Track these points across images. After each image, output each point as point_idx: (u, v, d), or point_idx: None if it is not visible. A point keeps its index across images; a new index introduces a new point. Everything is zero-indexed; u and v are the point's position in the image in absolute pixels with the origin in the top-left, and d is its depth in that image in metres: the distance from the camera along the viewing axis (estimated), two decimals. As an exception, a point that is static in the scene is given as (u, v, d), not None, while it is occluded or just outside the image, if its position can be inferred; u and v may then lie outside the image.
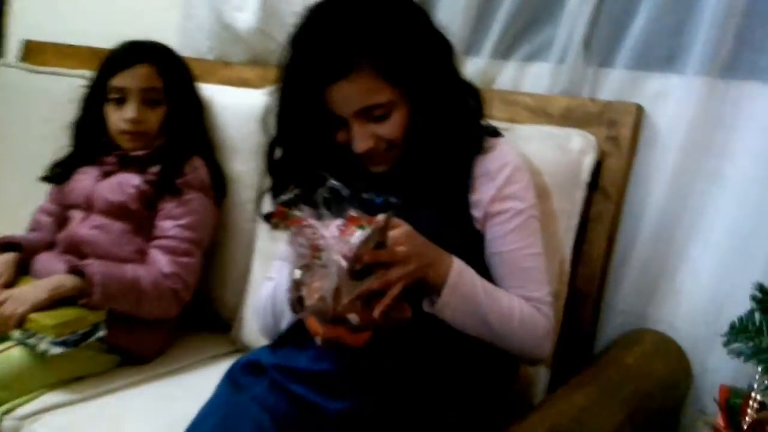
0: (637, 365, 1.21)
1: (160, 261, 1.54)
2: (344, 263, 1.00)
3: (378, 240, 1.02)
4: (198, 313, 1.68)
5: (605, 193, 1.43)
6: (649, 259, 1.44)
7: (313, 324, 1.06)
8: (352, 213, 1.04)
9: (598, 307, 1.46)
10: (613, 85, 1.49)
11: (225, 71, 1.98)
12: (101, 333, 1.42)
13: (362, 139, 1.14)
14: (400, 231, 1.04)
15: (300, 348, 1.13)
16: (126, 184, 1.59)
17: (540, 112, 1.51)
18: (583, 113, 1.47)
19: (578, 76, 1.51)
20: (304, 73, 1.12)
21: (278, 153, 1.27)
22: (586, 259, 1.43)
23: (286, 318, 1.21)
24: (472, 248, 1.19)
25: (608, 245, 1.45)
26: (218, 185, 1.68)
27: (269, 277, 1.32)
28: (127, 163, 1.62)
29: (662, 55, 1.43)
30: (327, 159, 1.19)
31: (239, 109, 1.73)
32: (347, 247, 1.01)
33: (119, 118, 1.61)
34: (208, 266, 1.68)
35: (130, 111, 1.60)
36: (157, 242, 1.57)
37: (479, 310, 1.10)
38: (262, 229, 1.66)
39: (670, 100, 1.43)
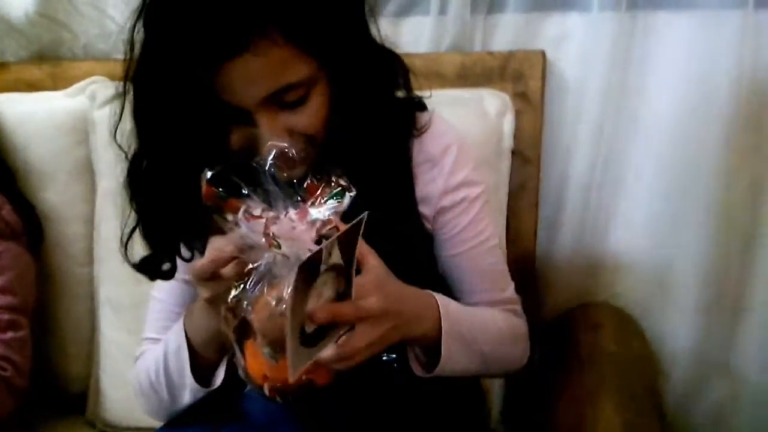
0: (622, 351, 1.05)
1: (-26, 344, 1.11)
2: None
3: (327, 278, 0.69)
4: (40, 396, 1.26)
5: (524, 158, 1.25)
6: (578, 226, 1.29)
7: (257, 364, 0.73)
8: (310, 180, 0.73)
9: (536, 287, 1.29)
10: (507, 32, 1.29)
11: (0, 74, 1.52)
12: None
13: (273, 136, 0.79)
14: (367, 276, 0.74)
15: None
16: None
17: (431, 74, 1.27)
18: (483, 69, 1.27)
19: (466, 27, 1.29)
20: (179, 53, 0.75)
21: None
22: (516, 236, 1.24)
23: (188, 387, 0.88)
24: (427, 256, 0.94)
25: (535, 216, 1.26)
26: (30, 226, 1.26)
27: (151, 338, 0.98)
28: None
29: (558, -8, 1.26)
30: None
31: (38, 120, 1.32)
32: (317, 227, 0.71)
33: None
34: (38, 334, 1.26)
35: None
36: (-37, 320, 1.14)
37: (476, 349, 0.87)
38: (105, 271, 1.28)
39: (574, 42, 1.27)
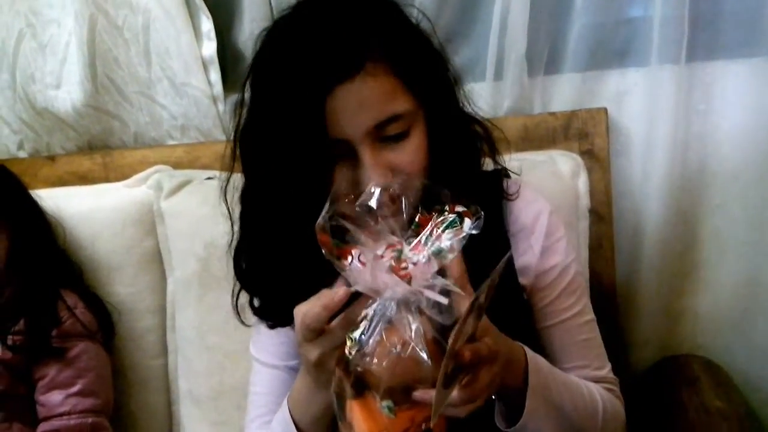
0: (729, 408, 1.03)
1: (62, 451, 1.08)
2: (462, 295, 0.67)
3: (470, 318, 0.66)
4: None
5: (597, 215, 1.24)
6: (656, 280, 1.28)
7: (373, 423, 0.68)
8: (420, 214, 0.70)
9: (621, 343, 1.27)
10: (566, 92, 1.30)
11: (49, 168, 1.50)
12: None
13: (377, 170, 0.77)
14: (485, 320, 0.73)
15: None
16: (-23, 359, 1.11)
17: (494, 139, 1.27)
18: (546, 130, 1.27)
19: (524, 90, 1.30)
20: (294, 76, 0.76)
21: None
22: (598, 294, 1.23)
23: None
24: (526, 327, 0.92)
25: (613, 273, 1.25)
26: (103, 322, 1.24)
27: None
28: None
29: (614, 49, 1.27)
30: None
31: (102, 214, 1.31)
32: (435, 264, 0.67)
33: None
34: (114, 430, 1.22)
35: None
36: (48, 425, 1.13)
37: (562, 415, 0.84)
38: (182, 363, 1.25)
39: (634, 97, 1.27)
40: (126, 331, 1.28)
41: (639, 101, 1.27)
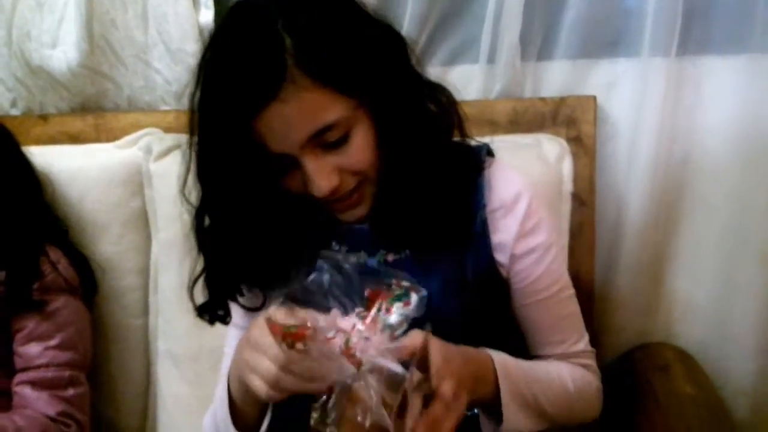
0: (699, 395, 1.05)
1: (38, 401, 1.10)
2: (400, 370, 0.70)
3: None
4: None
5: (580, 200, 1.26)
6: (634, 267, 1.29)
7: None
8: (369, 288, 0.74)
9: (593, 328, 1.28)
10: (556, 79, 1.32)
11: (41, 127, 1.50)
12: None
13: (322, 176, 0.80)
14: (436, 360, 0.73)
15: None
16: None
17: (483, 120, 1.29)
18: (535, 115, 1.28)
19: (516, 74, 1.31)
20: (220, 106, 0.78)
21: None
22: (574, 277, 1.23)
23: None
24: (502, 306, 0.94)
25: (593, 258, 1.27)
26: (86, 278, 1.25)
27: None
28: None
29: (607, 39, 1.29)
30: (279, 220, 0.87)
31: (91, 173, 1.31)
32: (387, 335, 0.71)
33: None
34: (91, 388, 1.23)
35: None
36: (25, 376, 1.12)
37: (538, 408, 0.87)
38: (163, 324, 1.27)
39: (624, 87, 1.29)
40: (108, 290, 1.29)
41: (628, 91, 1.28)
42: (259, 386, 0.74)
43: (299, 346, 0.70)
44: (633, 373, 1.19)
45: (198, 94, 0.81)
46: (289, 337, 0.70)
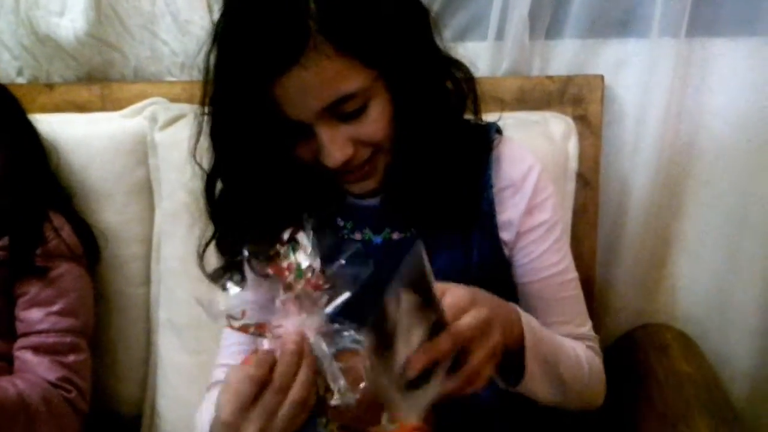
0: (698, 373, 1.05)
1: (39, 366, 1.10)
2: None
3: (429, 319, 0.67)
4: (93, 419, 1.24)
5: (584, 180, 1.26)
6: (637, 249, 1.30)
7: None
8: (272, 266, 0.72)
9: (595, 309, 1.29)
10: (564, 58, 1.31)
11: (46, 96, 1.50)
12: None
13: (336, 146, 0.80)
14: (452, 297, 0.70)
15: None
16: (-39, 269, 1.12)
17: (490, 97, 1.27)
18: (542, 93, 1.28)
19: (524, 52, 1.30)
20: (239, 69, 0.77)
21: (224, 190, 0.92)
22: (576, 257, 1.23)
23: None
24: (505, 284, 0.93)
25: (595, 238, 1.27)
26: (89, 246, 1.25)
27: (224, 364, 0.97)
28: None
29: (616, 18, 1.28)
30: (289, 188, 0.87)
31: (96, 141, 1.31)
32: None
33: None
34: (92, 356, 1.23)
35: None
36: (26, 341, 1.12)
37: (557, 374, 0.85)
38: (164, 293, 1.27)
39: (632, 67, 1.28)
40: (111, 258, 1.29)
41: (636, 72, 1.28)
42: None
43: (269, 335, 0.71)
44: (633, 352, 1.19)
45: (214, 54, 0.80)
46: (258, 329, 0.71)
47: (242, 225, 0.88)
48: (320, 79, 0.75)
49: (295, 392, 0.68)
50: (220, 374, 0.98)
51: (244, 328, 0.71)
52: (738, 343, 1.28)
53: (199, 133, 0.88)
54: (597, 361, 0.94)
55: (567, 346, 0.89)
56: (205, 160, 0.90)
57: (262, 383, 0.68)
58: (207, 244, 0.94)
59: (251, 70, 0.76)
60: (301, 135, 0.81)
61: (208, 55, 0.81)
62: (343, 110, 0.78)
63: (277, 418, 0.68)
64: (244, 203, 0.88)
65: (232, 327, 0.70)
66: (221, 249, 0.93)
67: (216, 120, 0.84)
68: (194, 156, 0.90)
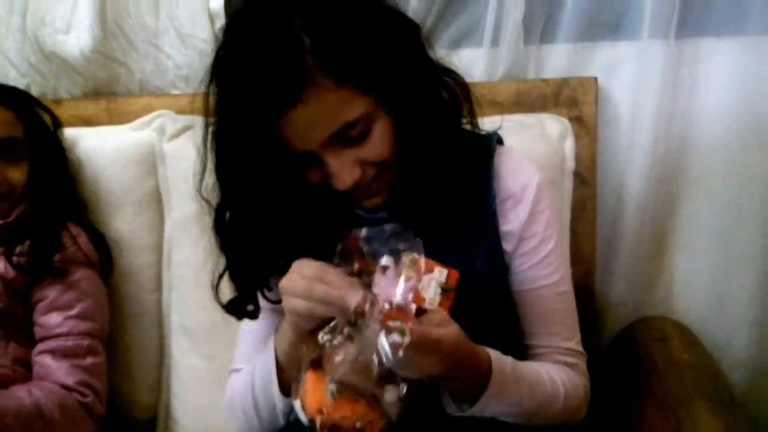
0: (697, 361, 1.09)
1: (58, 371, 1.13)
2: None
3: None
4: (108, 423, 1.27)
5: (581, 179, 1.30)
6: (635, 244, 1.33)
7: (316, 397, 0.75)
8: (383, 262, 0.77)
9: (594, 304, 1.33)
10: (558, 61, 1.35)
11: (54, 111, 1.53)
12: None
13: (345, 170, 0.83)
14: (447, 333, 0.76)
15: None
16: (-20, 274, 1.15)
17: (487, 102, 1.32)
18: (537, 96, 1.32)
19: (519, 56, 1.35)
20: (242, 111, 0.79)
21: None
22: (576, 255, 1.28)
23: (279, 408, 0.90)
24: (507, 292, 0.95)
25: (594, 235, 1.31)
26: (102, 255, 1.28)
27: (240, 369, 0.99)
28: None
29: (608, 22, 1.32)
30: (301, 213, 0.88)
31: (107, 153, 1.35)
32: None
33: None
34: (107, 361, 1.27)
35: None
36: (45, 345, 1.16)
37: (522, 405, 0.87)
38: (176, 298, 1.30)
39: (624, 69, 1.33)
40: (123, 267, 1.33)
41: (628, 73, 1.32)
42: (294, 303, 0.77)
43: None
44: (633, 345, 1.22)
45: (212, 94, 0.82)
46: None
47: (256, 255, 0.90)
48: (323, 111, 0.78)
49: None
50: (241, 362, 1.00)
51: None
52: (735, 333, 1.31)
53: (203, 172, 0.90)
54: (577, 382, 0.93)
55: (543, 381, 0.89)
56: (208, 172, 0.90)
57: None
58: (221, 277, 0.94)
59: (254, 110, 0.78)
60: (307, 162, 0.84)
61: (206, 91, 0.83)
62: (347, 136, 0.81)
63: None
64: (256, 234, 0.89)
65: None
66: (236, 281, 0.94)
67: (221, 156, 0.86)
68: (200, 192, 0.92)
